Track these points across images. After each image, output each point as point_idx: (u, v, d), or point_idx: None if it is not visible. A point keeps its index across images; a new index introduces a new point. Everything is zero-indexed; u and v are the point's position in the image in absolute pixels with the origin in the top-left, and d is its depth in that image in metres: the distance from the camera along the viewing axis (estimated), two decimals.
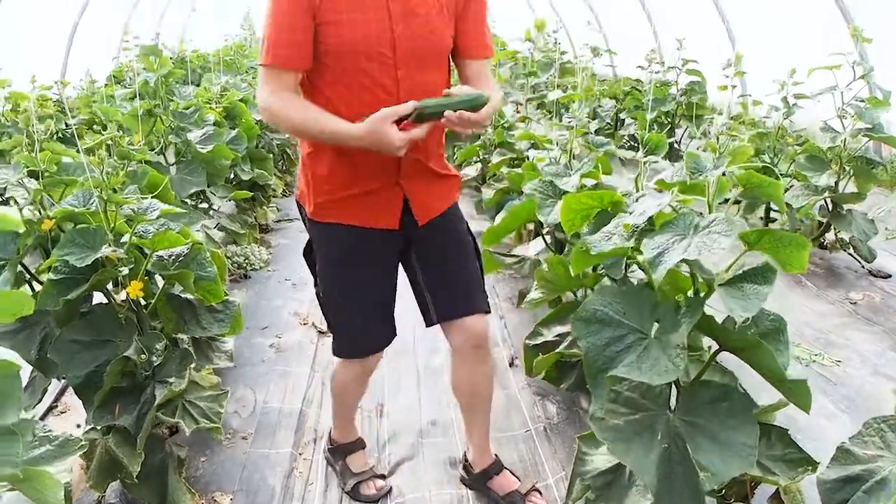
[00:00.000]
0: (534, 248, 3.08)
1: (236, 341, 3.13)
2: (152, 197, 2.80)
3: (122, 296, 2.16)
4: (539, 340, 2.61)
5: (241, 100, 4.75)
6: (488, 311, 2.10)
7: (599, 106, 7.63)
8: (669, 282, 1.75)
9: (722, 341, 1.61)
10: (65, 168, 2.35)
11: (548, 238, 3.02)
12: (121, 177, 2.13)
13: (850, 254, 4.35)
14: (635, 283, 1.88)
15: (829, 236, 4.51)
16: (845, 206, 4.19)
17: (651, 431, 1.57)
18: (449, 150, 5.36)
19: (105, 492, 2.11)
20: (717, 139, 1.57)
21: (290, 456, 2.53)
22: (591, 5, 11.17)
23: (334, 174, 1.90)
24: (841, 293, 3.97)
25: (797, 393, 1.52)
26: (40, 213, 2.26)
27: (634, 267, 2.16)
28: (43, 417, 2.78)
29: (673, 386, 1.68)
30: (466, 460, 2.33)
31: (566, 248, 2.79)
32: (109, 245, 2.05)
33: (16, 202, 2.18)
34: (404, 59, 1.79)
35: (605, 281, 2.30)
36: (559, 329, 2.59)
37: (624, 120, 7.06)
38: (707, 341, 1.95)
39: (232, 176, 4.35)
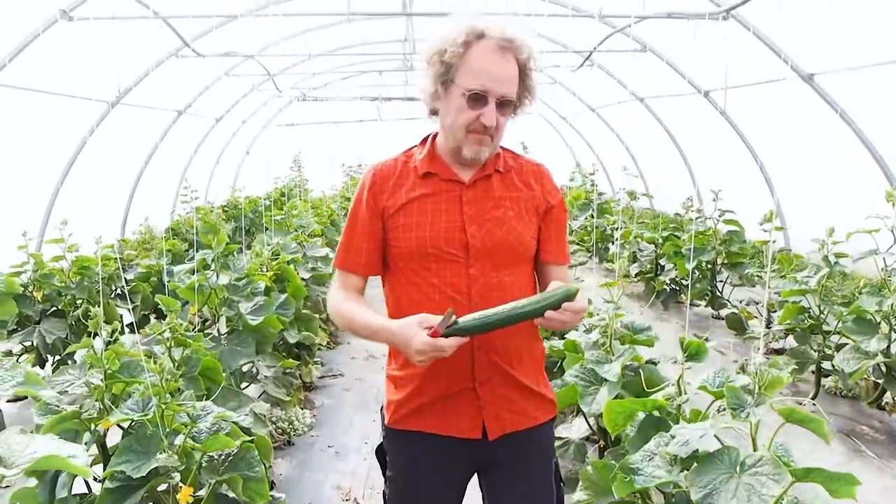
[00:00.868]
0: (577, 430, 3.06)
1: None
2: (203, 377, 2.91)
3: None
4: None
5: (290, 261, 4.95)
6: None
7: (639, 249, 7.73)
8: None
9: None
10: (125, 367, 2.46)
11: (591, 420, 3.01)
12: (177, 368, 2.23)
13: None
14: None
15: (888, 397, 4.38)
16: None
17: None
18: None
19: None
20: (756, 373, 1.59)
21: None
22: (629, 146, 11.51)
23: (408, 376, 1.86)
24: None
25: None
26: (101, 409, 2.37)
27: None
28: None
29: None
30: None
31: (610, 437, 2.77)
32: (164, 451, 2.13)
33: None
34: (477, 258, 1.78)
35: None
36: None
37: (664, 266, 7.10)
38: None
39: (280, 340, 4.47)
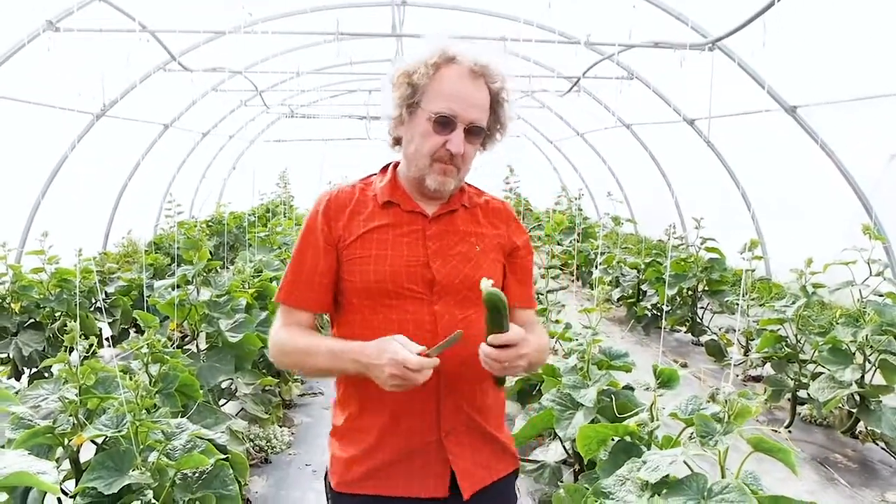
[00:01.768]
0: (553, 454, 3.07)
1: None
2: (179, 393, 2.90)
3: None
4: None
5: (272, 278, 4.94)
6: None
7: (622, 274, 7.78)
8: None
9: None
10: (101, 382, 2.45)
11: (567, 445, 3.02)
12: (154, 384, 2.22)
13: (881, 447, 4.25)
14: None
15: (861, 426, 4.42)
16: (873, 400, 4.14)
17: None
18: None
19: None
20: (726, 402, 1.62)
21: None
22: (614, 172, 11.62)
23: (362, 429, 1.66)
24: (876, 492, 3.84)
25: None
26: (75, 424, 2.35)
27: None
28: None
29: None
30: None
31: (585, 461, 2.78)
32: (138, 468, 2.11)
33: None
34: (442, 296, 1.64)
35: None
36: None
37: (646, 291, 7.15)
38: None
39: (260, 357, 4.45)
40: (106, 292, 5.89)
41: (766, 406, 4.83)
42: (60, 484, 2.29)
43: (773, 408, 4.95)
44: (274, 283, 4.84)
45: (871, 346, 4.04)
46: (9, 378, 4.80)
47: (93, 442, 2.36)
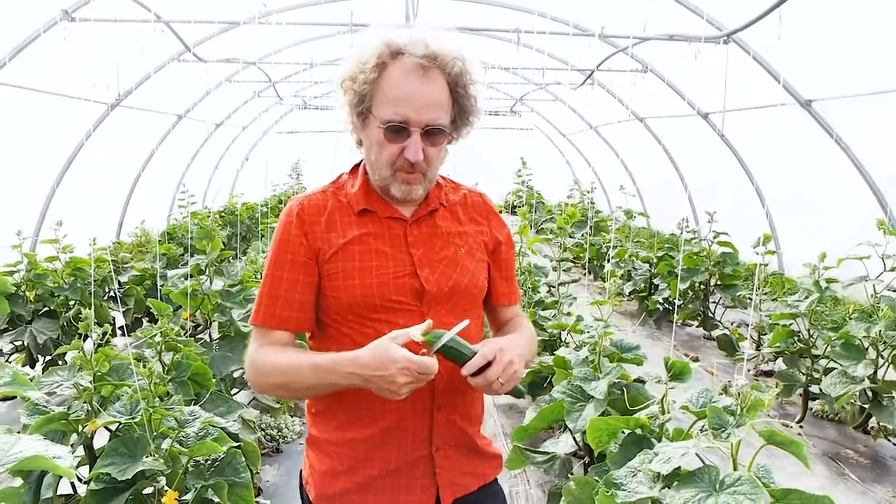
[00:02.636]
0: (563, 446, 3.07)
1: None
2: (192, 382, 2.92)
3: None
4: None
5: None
6: None
7: (634, 268, 7.76)
8: None
9: None
10: (115, 369, 2.47)
11: (577, 437, 3.02)
12: (167, 372, 2.24)
13: (893, 444, 4.23)
14: None
15: (873, 421, 4.40)
16: (885, 396, 4.11)
17: None
18: None
19: None
20: (739, 395, 1.61)
21: None
22: (627, 165, 11.57)
23: (348, 442, 1.56)
24: (888, 489, 3.82)
25: None
26: (89, 411, 2.38)
27: None
28: None
29: None
30: None
31: (596, 454, 2.78)
32: (151, 455, 2.13)
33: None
34: (432, 305, 1.54)
35: None
36: None
37: (658, 285, 7.13)
38: None
39: None
40: (119, 281, 5.93)
41: (777, 401, 4.81)
42: (75, 469, 2.32)
43: (785, 403, 4.93)
44: None
45: (885, 342, 4.01)
46: (23, 365, 4.85)
47: (106, 428, 2.38)
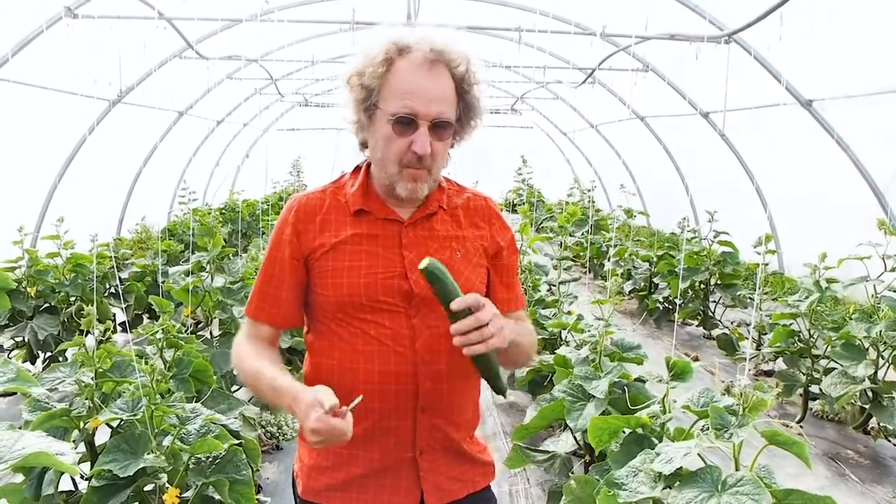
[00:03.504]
0: (564, 445, 3.08)
1: None
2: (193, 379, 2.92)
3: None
4: None
5: None
6: None
7: (634, 267, 7.77)
8: None
9: None
10: (116, 366, 2.47)
11: (578, 436, 3.03)
12: (168, 369, 2.24)
13: (894, 444, 4.23)
14: None
15: (874, 422, 4.40)
16: (886, 396, 4.12)
17: None
18: None
19: None
20: (741, 394, 1.62)
21: None
22: (627, 164, 11.58)
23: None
24: (888, 490, 3.83)
25: None
26: (91, 407, 2.38)
27: None
28: None
29: None
30: None
31: (596, 453, 2.79)
32: (152, 451, 2.14)
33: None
34: (420, 308, 1.52)
35: None
36: None
37: (658, 284, 7.13)
38: None
39: None
40: (120, 278, 5.94)
41: (777, 401, 4.82)
42: (77, 466, 2.32)
43: (785, 403, 4.93)
44: None
45: (885, 342, 4.01)
46: (24, 361, 4.85)
47: (108, 425, 2.38)
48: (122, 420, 2.25)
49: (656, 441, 2.09)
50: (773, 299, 5.18)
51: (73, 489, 2.41)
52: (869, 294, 4.26)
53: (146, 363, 2.29)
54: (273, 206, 11.35)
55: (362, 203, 1.58)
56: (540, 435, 3.59)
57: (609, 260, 7.67)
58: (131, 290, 5.86)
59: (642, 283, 7.53)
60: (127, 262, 6.68)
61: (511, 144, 15.97)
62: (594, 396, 2.71)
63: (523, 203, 14.03)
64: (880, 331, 3.98)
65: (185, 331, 3.48)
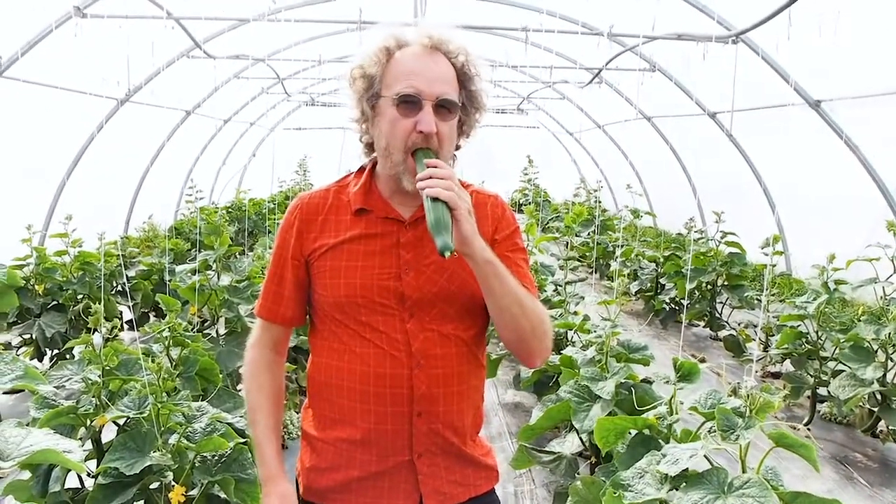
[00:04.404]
0: (569, 446, 3.07)
1: None
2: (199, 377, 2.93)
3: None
4: None
5: None
6: None
7: (640, 268, 7.75)
8: None
9: None
10: (123, 364, 2.48)
11: (584, 437, 3.02)
12: (174, 368, 2.25)
13: None
14: None
15: (882, 425, 4.38)
16: (895, 399, 4.09)
17: None
18: None
19: None
20: (748, 396, 1.61)
21: None
22: (634, 164, 11.55)
23: (331, 440, 1.57)
24: None
25: None
26: (97, 405, 2.39)
27: None
28: None
29: None
30: None
31: (602, 454, 2.78)
32: (158, 450, 2.14)
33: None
34: (415, 310, 1.51)
35: None
36: None
37: (664, 285, 7.11)
38: None
39: None
40: (127, 276, 5.96)
41: (785, 403, 4.80)
42: (83, 463, 2.33)
43: (793, 405, 4.91)
44: None
45: (894, 345, 3.99)
46: (31, 359, 4.88)
47: (114, 423, 2.39)
48: (128, 418, 2.25)
49: (663, 442, 2.08)
50: (780, 301, 5.15)
51: (80, 486, 2.42)
52: (878, 296, 4.24)
53: (153, 361, 2.30)
54: (279, 204, 11.37)
55: (363, 202, 1.57)
56: (545, 436, 3.59)
57: (615, 260, 7.66)
58: (138, 289, 5.87)
59: (649, 284, 7.51)
60: (134, 260, 6.70)
61: (517, 144, 15.96)
62: (600, 397, 2.71)
63: (529, 203, 14.02)
64: (889, 333, 3.95)
65: (192, 329, 3.48)
